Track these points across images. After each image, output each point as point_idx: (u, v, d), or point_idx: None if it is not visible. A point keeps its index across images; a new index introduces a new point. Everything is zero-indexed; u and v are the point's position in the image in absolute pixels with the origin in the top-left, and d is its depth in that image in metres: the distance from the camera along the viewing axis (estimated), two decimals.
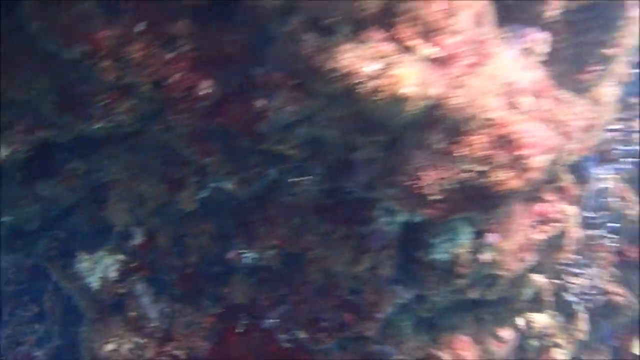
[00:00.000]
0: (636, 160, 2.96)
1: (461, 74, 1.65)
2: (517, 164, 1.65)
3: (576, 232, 2.59)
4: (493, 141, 1.65)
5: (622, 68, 2.31)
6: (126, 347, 2.49)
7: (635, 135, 2.87)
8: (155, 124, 1.91)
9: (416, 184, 1.72)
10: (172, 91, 1.69)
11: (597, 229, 2.73)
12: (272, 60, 1.73)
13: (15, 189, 2.11)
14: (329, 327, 2.39)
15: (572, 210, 2.53)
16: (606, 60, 2.09)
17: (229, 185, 2.09)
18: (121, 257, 2.44)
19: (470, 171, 1.67)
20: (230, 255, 2.31)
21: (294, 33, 1.61)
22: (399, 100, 1.56)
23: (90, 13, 1.60)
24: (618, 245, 3.82)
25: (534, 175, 1.65)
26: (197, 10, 1.66)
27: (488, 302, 2.88)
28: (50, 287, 3.12)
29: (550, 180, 2.59)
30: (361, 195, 2.09)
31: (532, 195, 2.50)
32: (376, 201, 2.08)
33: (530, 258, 2.47)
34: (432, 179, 1.70)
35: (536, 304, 3.01)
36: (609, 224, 2.76)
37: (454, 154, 1.67)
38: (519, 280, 2.70)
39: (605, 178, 2.93)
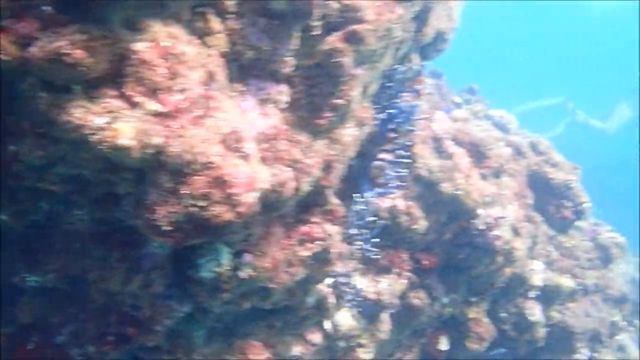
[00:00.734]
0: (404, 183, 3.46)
1: (182, 126, 1.97)
2: (230, 201, 1.99)
3: (340, 248, 3.01)
4: (210, 181, 1.99)
5: (364, 112, 2.76)
6: None
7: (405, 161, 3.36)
8: None
9: (151, 217, 2.02)
10: None
11: (364, 244, 3.14)
12: (20, 110, 1.96)
13: None
14: (114, 341, 2.64)
15: (335, 229, 2.95)
16: (338, 108, 2.51)
17: (4, 217, 2.28)
18: None
19: (194, 206, 1.99)
20: (16, 279, 2.50)
21: (30, 91, 1.86)
22: (120, 149, 1.86)
23: None
24: (414, 254, 4.38)
25: (244, 209, 2.00)
26: None
27: (278, 310, 3.25)
28: None
29: (320, 205, 3.01)
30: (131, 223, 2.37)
31: (299, 218, 2.90)
32: None
33: (299, 271, 2.86)
34: (163, 213, 2.00)
35: (321, 310, 3.42)
36: (372, 239, 3.19)
37: (180, 192, 1.99)
38: (298, 290, 3.08)
39: (377, 199, 3.40)
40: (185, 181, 1.99)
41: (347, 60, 2.38)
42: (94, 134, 1.86)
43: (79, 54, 1.75)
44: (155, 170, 1.99)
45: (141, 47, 1.91)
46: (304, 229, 2.84)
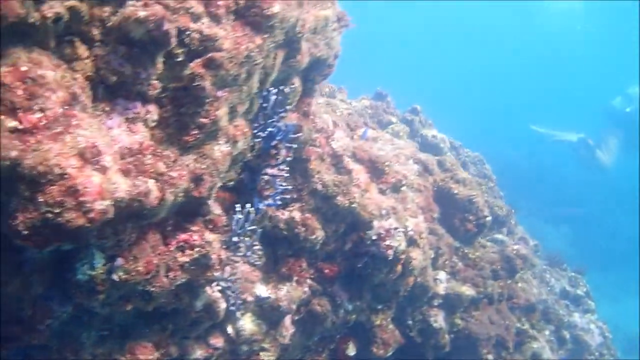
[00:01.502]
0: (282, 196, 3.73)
1: (39, 141, 2.21)
2: (81, 208, 2.22)
3: (220, 255, 3.26)
4: (64, 190, 2.22)
5: (236, 130, 3.04)
6: None
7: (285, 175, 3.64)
8: None
9: (12, 222, 2.24)
10: None
11: (242, 252, 3.39)
12: None
13: None
14: (5, 338, 2.83)
15: (214, 237, 3.20)
16: (203, 126, 2.77)
17: None
18: None
19: (50, 212, 2.22)
20: None
21: None
22: None
23: None
24: (316, 263, 4.64)
25: (95, 216, 2.24)
26: None
27: (169, 313, 3.47)
28: None
29: (203, 214, 3.26)
30: None
31: (180, 226, 3.15)
32: None
33: (179, 275, 3.09)
34: (22, 219, 2.23)
35: (211, 314, 3.64)
36: (253, 246, 3.44)
37: (37, 200, 2.22)
38: (184, 294, 3.31)
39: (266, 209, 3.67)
40: (42, 190, 2.22)
41: (207, 84, 2.65)
42: None
43: None
44: (15, 180, 2.22)
45: (1, 71, 2.15)
46: (183, 236, 3.08)
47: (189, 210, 3.15)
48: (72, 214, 2.23)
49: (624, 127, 17.46)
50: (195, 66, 2.63)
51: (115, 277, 2.77)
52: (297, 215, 4.22)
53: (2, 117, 2.16)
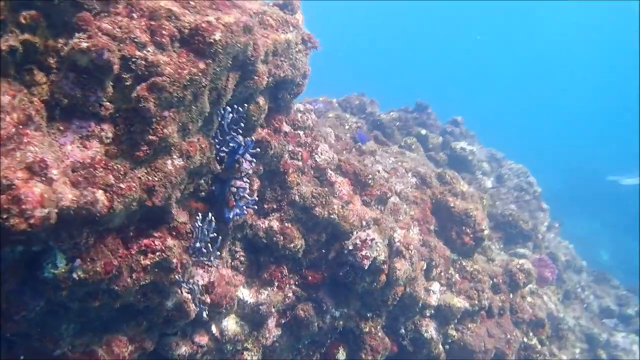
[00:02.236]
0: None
1: None
2: (23, 214, 2.55)
3: (182, 259, 3.52)
4: (10, 199, 2.56)
5: (190, 145, 3.30)
6: None
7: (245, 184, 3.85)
8: None
9: None
10: None
11: (208, 256, 3.64)
12: None
13: None
14: None
15: (176, 243, 3.48)
16: (152, 143, 3.05)
17: None
18: None
19: (1, 218, 2.57)
20: None
21: None
22: None
23: None
24: (300, 270, 4.83)
25: (35, 221, 2.56)
26: None
27: (143, 311, 3.78)
28: None
29: (168, 222, 3.55)
30: None
31: (145, 232, 3.44)
32: None
33: (142, 277, 3.38)
34: None
35: (182, 312, 3.90)
36: (214, 252, 3.68)
37: None
38: (152, 293, 3.60)
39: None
40: None
41: (151, 105, 2.93)
42: None
43: None
44: None
45: None
46: (146, 241, 3.37)
47: (153, 218, 3.44)
48: (16, 220, 2.56)
49: None
50: (140, 89, 2.92)
51: (75, 275, 3.09)
52: (275, 224, 4.43)
53: None
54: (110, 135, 3.00)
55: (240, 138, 3.54)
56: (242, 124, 3.55)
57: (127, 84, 2.94)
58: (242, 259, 4.49)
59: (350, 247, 4.49)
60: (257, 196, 4.44)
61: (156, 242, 3.42)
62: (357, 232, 4.53)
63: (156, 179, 3.16)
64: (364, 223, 4.67)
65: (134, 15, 2.94)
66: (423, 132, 9.76)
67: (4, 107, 2.62)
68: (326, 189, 4.60)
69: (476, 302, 5.40)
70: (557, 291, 7.80)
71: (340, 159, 4.90)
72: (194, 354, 4.39)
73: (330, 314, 4.96)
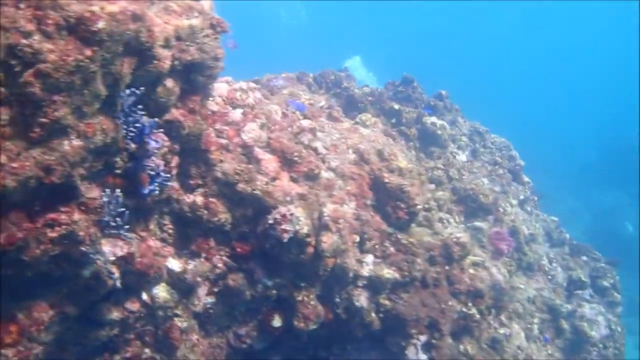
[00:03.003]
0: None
1: None
2: None
3: (89, 232, 3.72)
4: None
5: (88, 127, 3.47)
6: None
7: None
8: None
9: None
10: None
11: (118, 230, 3.84)
12: None
13: None
14: None
15: (83, 217, 3.68)
16: (45, 125, 3.22)
17: None
18: None
19: None
20: None
21: None
22: None
23: None
24: (230, 242, 5.02)
25: None
26: None
27: (62, 279, 4.01)
28: None
29: (76, 198, 3.74)
30: None
31: (52, 207, 3.64)
32: None
33: (50, 248, 3.60)
34: None
35: (99, 281, 4.12)
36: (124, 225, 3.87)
37: None
38: (65, 263, 3.81)
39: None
40: None
41: (37, 90, 3.09)
42: None
43: None
44: None
45: None
46: (52, 215, 3.58)
47: (62, 194, 3.63)
48: None
49: None
50: (27, 75, 3.08)
51: None
52: (199, 199, 4.61)
53: None
54: (6, 117, 3.17)
55: (145, 119, 3.69)
56: (151, 105, 3.71)
57: (17, 70, 3.09)
58: (170, 231, 4.69)
59: (271, 222, 4.66)
60: (181, 172, 4.62)
61: (62, 216, 3.61)
62: (279, 207, 4.68)
63: (52, 158, 3.33)
64: (288, 198, 4.83)
65: (21, 5, 3.08)
66: (396, 106, 9.79)
67: None
68: (251, 165, 4.75)
69: (406, 273, 5.55)
70: (511, 263, 7.90)
71: (270, 137, 5.04)
72: (125, 319, 4.64)
73: (262, 284, 5.16)
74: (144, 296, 4.73)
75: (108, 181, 4.02)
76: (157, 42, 3.56)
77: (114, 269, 4.18)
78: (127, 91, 3.54)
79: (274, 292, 5.26)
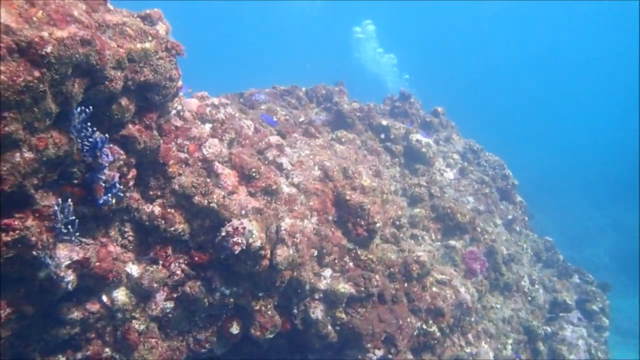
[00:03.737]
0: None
1: None
2: None
3: (41, 237, 3.98)
4: None
5: (40, 141, 3.73)
6: None
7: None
8: None
9: None
10: None
11: (69, 236, 4.09)
12: None
13: None
14: None
15: (35, 223, 3.94)
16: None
17: None
18: None
19: None
20: None
21: None
22: None
23: None
24: (189, 252, 5.24)
25: None
26: None
27: (19, 280, 4.26)
28: None
29: (31, 205, 4.01)
30: None
31: (8, 214, 3.91)
32: None
33: (5, 251, 3.87)
34: None
35: (53, 282, 4.37)
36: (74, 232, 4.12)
37: None
38: (23, 266, 4.07)
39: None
40: None
41: None
42: None
43: None
44: None
45: None
46: (6, 221, 3.84)
47: (17, 202, 3.90)
48: None
49: None
50: None
51: None
52: (157, 210, 4.85)
53: None
54: None
55: (97, 134, 3.94)
56: (106, 122, 3.97)
57: None
58: (131, 238, 4.93)
59: (224, 234, 4.86)
60: (142, 184, 4.87)
61: (16, 222, 3.88)
62: (233, 220, 4.89)
63: (4, 169, 3.60)
64: (243, 212, 5.03)
65: None
66: (384, 122, 9.95)
67: None
68: (209, 179, 4.97)
69: (362, 288, 5.70)
70: (482, 283, 7.97)
71: (232, 152, 5.26)
72: (85, 319, 4.88)
73: (220, 292, 5.36)
74: (104, 298, 4.97)
75: (66, 190, 4.28)
76: (108, 64, 3.81)
77: (70, 272, 4.42)
78: (78, 109, 3.79)
79: (232, 300, 5.46)
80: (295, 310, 5.77)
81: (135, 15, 4.36)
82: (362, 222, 5.89)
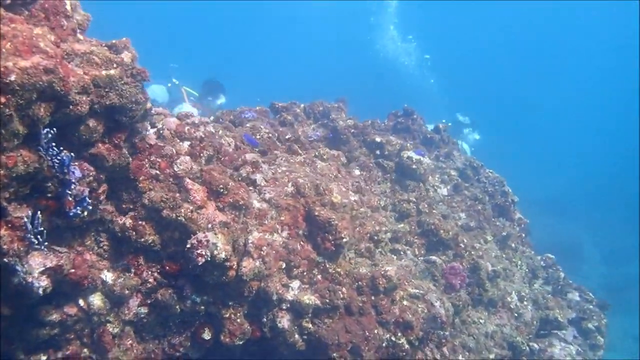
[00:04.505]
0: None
1: None
2: None
3: (14, 246, 4.29)
4: None
5: (9, 159, 4.05)
6: None
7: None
8: None
9: None
10: None
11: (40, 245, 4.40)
12: None
13: None
14: None
15: (6, 233, 4.26)
16: None
17: None
18: None
19: None
20: None
21: None
22: None
23: None
24: (161, 261, 5.51)
25: None
26: None
27: None
28: None
29: (5, 216, 4.33)
30: None
31: None
32: None
33: None
34: None
35: (27, 288, 4.67)
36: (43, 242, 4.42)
37: None
38: (3, 271, 4.40)
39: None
40: None
41: None
42: None
43: None
44: None
45: None
46: None
47: None
48: None
49: None
50: None
51: None
52: (129, 222, 5.14)
53: None
54: None
55: (64, 153, 4.25)
56: (75, 141, 4.30)
57: None
58: (106, 247, 5.23)
59: (189, 246, 5.11)
60: (116, 197, 5.17)
61: None
62: (198, 233, 5.14)
63: None
64: (210, 225, 5.28)
65: None
66: (378, 139, 10.10)
67: None
68: (179, 194, 5.24)
69: (327, 300, 5.86)
70: (460, 298, 8.01)
71: (203, 169, 5.52)
72: (64, 320, 5.19)
73: (191, 300, 5.61)
74: (81, 302, 5.27)
75: (40, 203, 4.60)
76: (72, 89, 4.12)
77: (44, 278, 4.73)
78: (45, 130, 4.11)
79: (203, 307, 5.70)
80: (264, 319, 5.97)
81: (103, 44, 4.68)
82: (330, 237, 6.06)
